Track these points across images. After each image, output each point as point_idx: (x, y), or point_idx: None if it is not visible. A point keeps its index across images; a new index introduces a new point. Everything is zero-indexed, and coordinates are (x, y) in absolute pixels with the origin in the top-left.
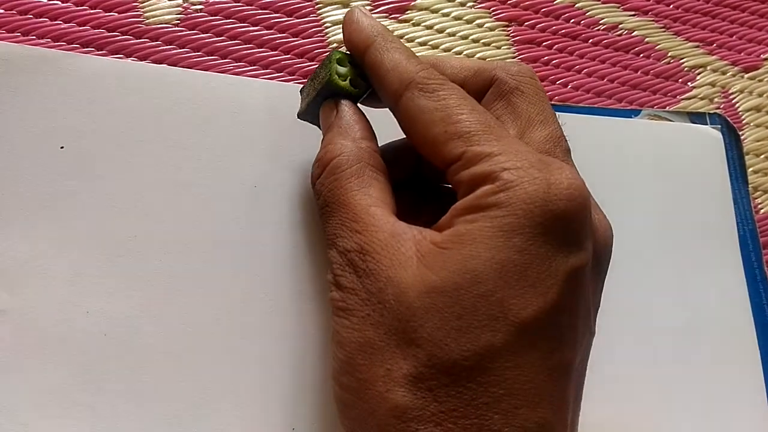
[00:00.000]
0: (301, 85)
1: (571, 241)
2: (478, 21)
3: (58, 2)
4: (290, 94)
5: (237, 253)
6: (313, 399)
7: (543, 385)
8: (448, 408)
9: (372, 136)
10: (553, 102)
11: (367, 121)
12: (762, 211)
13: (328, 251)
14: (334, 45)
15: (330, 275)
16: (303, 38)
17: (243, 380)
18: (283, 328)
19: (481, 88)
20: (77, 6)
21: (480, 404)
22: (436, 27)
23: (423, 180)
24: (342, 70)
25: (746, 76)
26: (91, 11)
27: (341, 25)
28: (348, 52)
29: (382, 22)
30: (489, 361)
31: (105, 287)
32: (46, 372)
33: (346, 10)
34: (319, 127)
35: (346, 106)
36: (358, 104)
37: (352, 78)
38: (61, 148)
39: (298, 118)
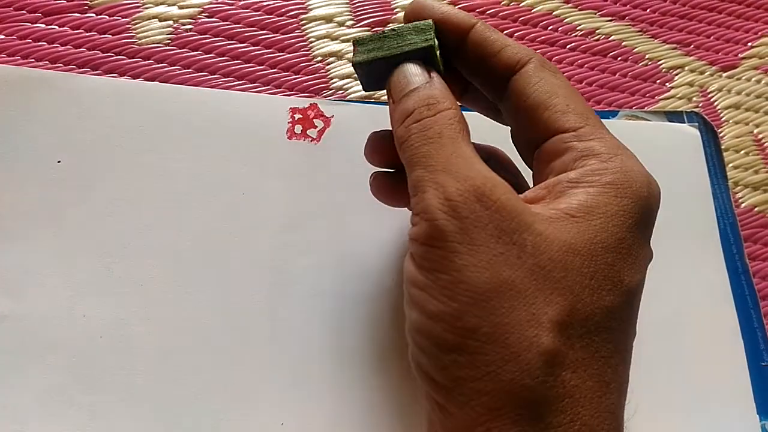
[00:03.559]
0: (285, 98)
1: (649, 235)
2: None
3: (56, 27)
4: (273, 106)
5: (227, 257)
6: (301, 396)
7: (628, 351)
8: (581, 357)
9: None
10: None
11: None
12: (743, 205)
13: (426, 179)
14: (318, 58)
15: (440, 201)
16: (288, 53)
17: (233, 379)
18: (271, 328)
19: None
20: (73, 30)
21: (600, 357)
22: None
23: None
24: (436, 43)
25: (724, 75)
26: (87, 34)
27: (420, 6)
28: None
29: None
30: (609, 320)
31: (101, 292)
32: (45, 373)
33: (329, 25)
34: (367, 83)
35: (438, 77)
36: None
37: (440, 53)
38: (58, 162)
39: (354, 66)
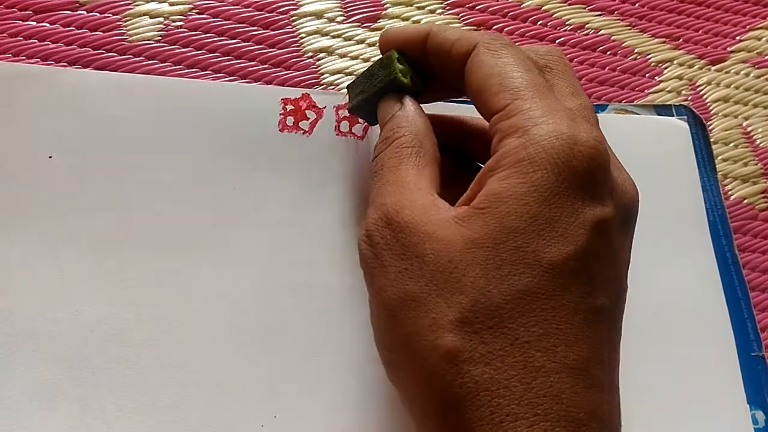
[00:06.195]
0: (276, 88)
1: (594, 195)
2: None
3: (47, 24)
4: (266, 98)
5: (217, 250)
6: (294, 388)
7: (579, 326)
8: (495, 348)
9: (431, 128)
10: None
11: (426, 115)
12: (732, 197)
13: (366, 210)
14: (309, 54)
15: (363, 232)
16: (279, 49)
17: (225, 371)
18: (264, 321)
19: None
20: (64, 27)
21: (522, 343)
22: None
23: (463, 156)
24: (403, 68)
25: (713, 68)
26: (78, 32)
27: (384, 39)
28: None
29: (355, 32)
30: (527, 303)
31: (92, 287)
32: (38, 367)
33: (320, 21)
34: (369, 121)
35: (409, 100)
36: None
37: (411, 76)
38: (50, 157)
39: (350, 112)
